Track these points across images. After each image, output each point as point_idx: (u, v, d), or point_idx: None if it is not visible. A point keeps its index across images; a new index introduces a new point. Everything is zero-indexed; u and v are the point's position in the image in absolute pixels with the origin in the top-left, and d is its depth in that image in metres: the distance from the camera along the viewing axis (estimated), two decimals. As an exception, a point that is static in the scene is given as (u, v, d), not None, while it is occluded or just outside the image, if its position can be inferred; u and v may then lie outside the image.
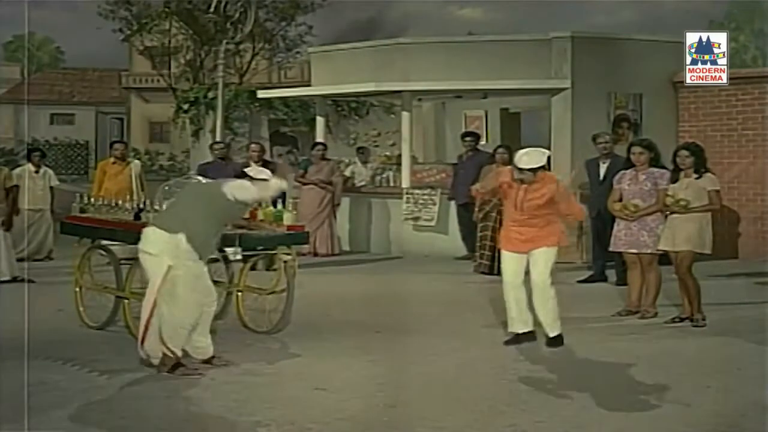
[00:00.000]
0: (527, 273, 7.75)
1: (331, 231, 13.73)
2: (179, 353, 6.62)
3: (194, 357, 6.80)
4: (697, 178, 8.51)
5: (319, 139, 15.16)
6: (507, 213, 7.90)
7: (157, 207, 7.55)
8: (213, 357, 6.86)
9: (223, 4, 22.49)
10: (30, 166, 13.30)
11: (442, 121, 17.48)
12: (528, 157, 7.58)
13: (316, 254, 13.26)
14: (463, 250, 13.10)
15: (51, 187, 13.34)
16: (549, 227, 7.71)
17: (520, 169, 7.56)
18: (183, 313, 6.59)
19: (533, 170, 7.56)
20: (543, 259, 7.67)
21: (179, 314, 6.59)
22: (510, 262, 7.81)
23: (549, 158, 7.87)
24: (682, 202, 8.43)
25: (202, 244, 6.68)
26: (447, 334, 8.15)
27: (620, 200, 8.95)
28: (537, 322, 7.73)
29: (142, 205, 7.82)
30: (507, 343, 7.69)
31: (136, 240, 7.77)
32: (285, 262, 7.91)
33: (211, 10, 22.88)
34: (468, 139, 13.35)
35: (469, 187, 12.35)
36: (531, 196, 7.62)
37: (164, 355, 6.61)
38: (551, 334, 7.67)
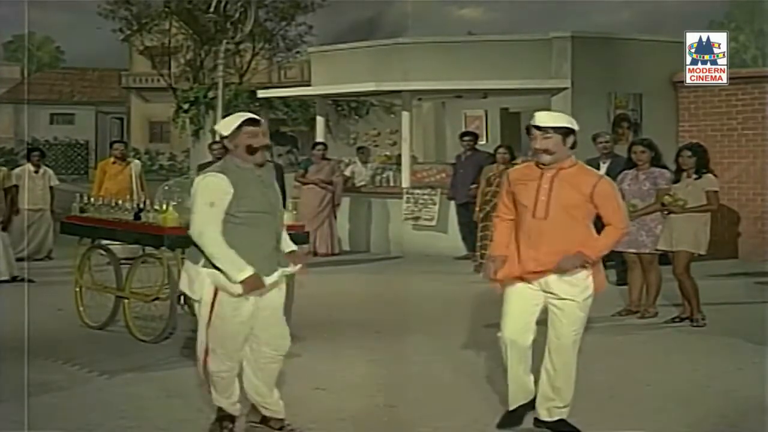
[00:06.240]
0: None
1: (331, 231, 13.74)
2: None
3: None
4: (696, 179, 8.52)
5: (319, 138, 15.17)
6: (520, 233, 5.11)
7: (157, 207, 7.54)
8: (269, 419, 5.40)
9: (223, 3, 22.52)
10: (30, 166, 13.30)
11: (442, 120, 17.50)
12: (548, 116, 5.06)
13: (316, 254, 13.26)
14: (463, 250, 13.11)
15: (51, 187, 13.34)
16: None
17: (541, 129, 4.92)
18: None
19: (559, 132, 4.90)
20: (574, 311, 5.11)
21: None
22: (518, 301, 5.07)
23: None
24: (680, 202, 8.44)
25: None
26: (447, 334, 8.15)
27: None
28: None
29: (142, 205, 7.81)
30: (501, 425, 5.33)
31: (136, 240, 7.80)
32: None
33: (211, 9, 22.91)
34: (466, 138, 13.37)
35: (469, 186, 12.53)
36: (561, 192, 5.00)
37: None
38: (554, 418, 5.17)
